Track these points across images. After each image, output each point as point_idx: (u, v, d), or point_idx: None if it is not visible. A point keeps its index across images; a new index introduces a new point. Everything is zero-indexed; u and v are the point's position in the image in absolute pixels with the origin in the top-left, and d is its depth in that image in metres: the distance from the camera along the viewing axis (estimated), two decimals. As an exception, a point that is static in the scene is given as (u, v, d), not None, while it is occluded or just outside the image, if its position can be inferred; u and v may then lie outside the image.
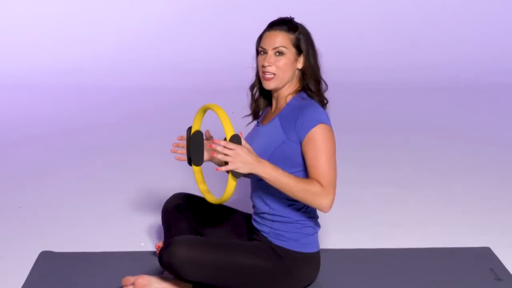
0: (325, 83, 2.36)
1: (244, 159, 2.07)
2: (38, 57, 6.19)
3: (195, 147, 2.32)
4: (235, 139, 2.09)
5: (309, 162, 2.20)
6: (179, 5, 6.61)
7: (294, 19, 2.34)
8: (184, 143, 2.43)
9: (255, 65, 2.37)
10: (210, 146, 2.17)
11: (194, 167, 2.33)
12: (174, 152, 2.45)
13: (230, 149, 2.06)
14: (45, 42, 6.35)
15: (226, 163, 2.08)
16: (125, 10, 6.57)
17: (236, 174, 2.09)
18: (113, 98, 5.56)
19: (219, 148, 2.08)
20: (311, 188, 2.15)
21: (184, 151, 2.41)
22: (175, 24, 6.50)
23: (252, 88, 2.44)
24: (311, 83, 2.31)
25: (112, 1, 6.57)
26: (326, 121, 2.23)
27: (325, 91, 2.36)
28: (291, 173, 2.24)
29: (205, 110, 2.27)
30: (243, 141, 2.11)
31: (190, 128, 2.34)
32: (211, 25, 6.53)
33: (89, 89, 5.77)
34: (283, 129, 2.26)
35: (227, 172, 2.12)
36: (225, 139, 2.11)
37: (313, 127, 2.20)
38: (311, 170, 2.19)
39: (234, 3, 6.56)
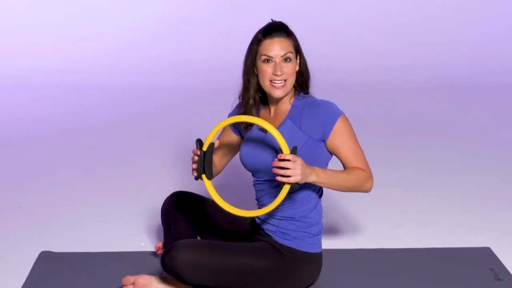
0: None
1: (303, 171, 2.10)
2: (38, 57, 6.19)
3: (209, 160, 2.25)
4: (295, 151, 2.11)
5: (345, 154, 2.29)
6: (179, 5, 6.61)
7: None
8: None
9: (243, 74, 2.37)
10: (273, 164, 2.11)
11: (206, 181, 2.27)
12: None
13: (293, 162, 2.08)
14: (45, 42, 6.34)
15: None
16: (125, 10, 6.56)
17: (296, 186, 2.11)
18: (113, 98, 5.56)
19: (283, 163, 2.07)
20: (359, 176, 2.27)
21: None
22: (175, 24, 6.50)
23: (246, 97, 2.39)
24: (303, 84, 2.37)
25: (112, 1, 6.57)
26: (341, 110, 2.31)
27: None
28: None
29: (231, 122, 2.24)
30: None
31: (200, 141, 2.25)
32: (211, 25, 6.52)
33: (89, 89, 5.77)
34: (302, 129, 2.29)
35: (281, 184, 2.12)
36: (280, 151, 2.10)
37: (335, 122, 2.28)
38: (349, 160, 2.30)
39: (234, 3, 6.55)
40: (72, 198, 3.43)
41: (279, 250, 2.33)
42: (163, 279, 2.32)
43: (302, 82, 2.38)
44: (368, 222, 3.12)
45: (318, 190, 2.39)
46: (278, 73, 2.27)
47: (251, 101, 2.38)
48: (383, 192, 3.46)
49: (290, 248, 2.33)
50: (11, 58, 6.18)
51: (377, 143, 4.36)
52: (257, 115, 2.41)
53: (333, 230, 3.01)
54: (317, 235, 2.39)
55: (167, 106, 5.34)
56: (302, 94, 2.38)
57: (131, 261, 2.68)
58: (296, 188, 2.13)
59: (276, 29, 2.31)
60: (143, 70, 6.12)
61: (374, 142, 4.38)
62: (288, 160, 2.08)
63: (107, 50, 6.29)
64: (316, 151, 2.30)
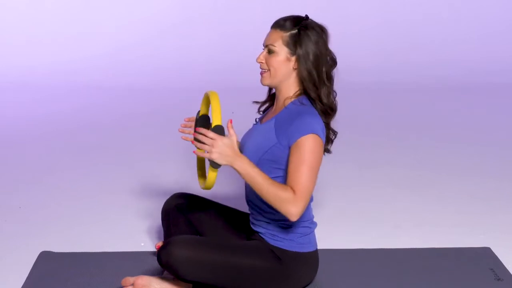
0: (334, 91, 2.32)
1: (221, 151, 2.10)
2: (38, 57, 6.18)
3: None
4: (218, 130, 2.11)
5: (290, 167, 2.17)
6: (179, 5, 6.61)
7: (308, 19, 2.30)
8: (191, 123, 2.49)
9: None
10: (194, 134, 2.19)
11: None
12: (182, 132, 2.48)
13: (210, 138, 2.10)
14: (45, 41, 6.34)
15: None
16: (125, 10, 6.56)
17: (214, 164, 2.13)
18: (113, 98, 5.56)
19: (199, 136, 2.12)
20: (282, 193, 2.13)
21: (191, 131, 2.47)
22: (175, 24, 6.50)
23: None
24: (309, 87, 2.25)
25: (112, 1, 6.57)
26: (319, 133, 2.19)
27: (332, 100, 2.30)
28: (279, 176, 2.25)
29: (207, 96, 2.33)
30: (231, 131, 2.14)
31: (199, 112, 2.40)
32: (211, 25, 6.52)
33: (89, 89, 5.77)
34: (276, 132, 2.25)
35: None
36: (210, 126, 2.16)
37: (304, 135, 2.17)
38: (289, 176, 2.16)
39: (234, 3, 6.55)
40: (72, 198, 3.43)
41: (272, 251, 2.32)
42: (163, 280, 2.32)
43: (304, 87, 2.28)
44: (368, 222, 3.12)
45: None
46: (257, 60, 2.30)
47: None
48: (383, 192, 3.47)
49: (282, 249, 2.32)
50: (11, 58, 6.18)
51: (377, 143, 4.36)
52: (269, 109, 2.45)
53: (332, 230, 3.00)
54: (308, 234, 2.36)
55: (167, 106, 5.33)
56: (304, 100, 2.27)
57: (131, 261, 2.68)
58: (215, 167, 2.13)
59: (279, 20, 2.29)
60: (143, 70, 6.12)
61: (374, 142, 4.38)
62: (205, 135, 2.11)
63: (107, 50, 6.28)
64: (281, 157, 2.24)
